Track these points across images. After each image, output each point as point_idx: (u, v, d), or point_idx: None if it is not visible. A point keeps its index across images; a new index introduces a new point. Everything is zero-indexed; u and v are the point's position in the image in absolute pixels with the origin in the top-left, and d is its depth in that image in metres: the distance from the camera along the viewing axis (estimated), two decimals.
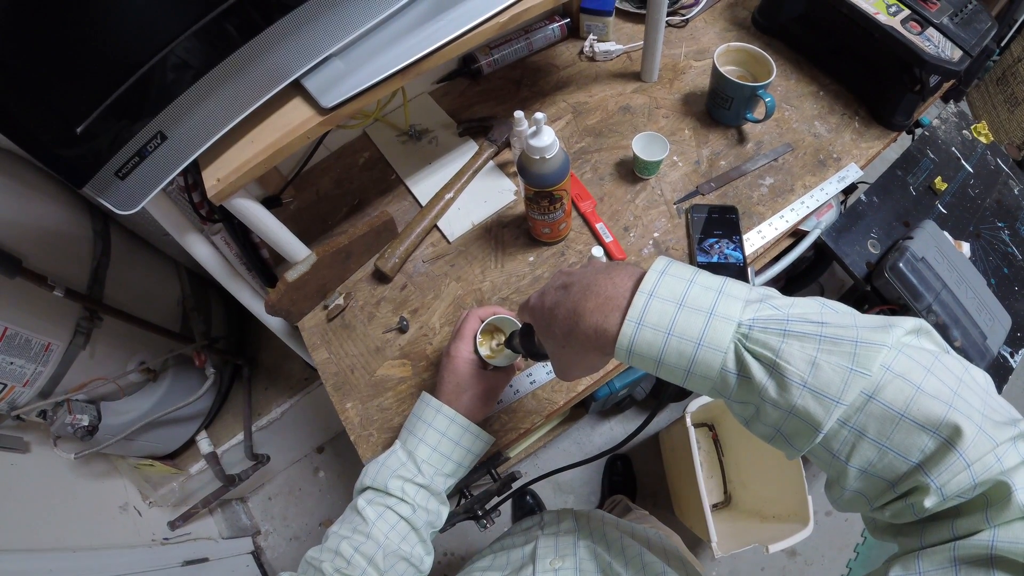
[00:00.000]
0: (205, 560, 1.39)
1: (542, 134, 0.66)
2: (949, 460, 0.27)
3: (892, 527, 0.33)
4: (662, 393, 1.38)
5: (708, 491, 1.26)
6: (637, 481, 1.65)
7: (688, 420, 1.24)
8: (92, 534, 1.23)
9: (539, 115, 0.65)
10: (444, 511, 0.60)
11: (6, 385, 1.02)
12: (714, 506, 1.49)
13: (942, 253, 1.04)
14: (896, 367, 0.29)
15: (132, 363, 1.22)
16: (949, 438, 0.28)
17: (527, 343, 0.54)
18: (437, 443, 0.59)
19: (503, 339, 0.64)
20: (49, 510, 1.18)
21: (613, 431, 1.73)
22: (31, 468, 1.18)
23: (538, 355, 0.55)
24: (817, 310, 0.33)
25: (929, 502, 0.28)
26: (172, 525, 1.36)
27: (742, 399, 0.34)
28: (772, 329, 0.32)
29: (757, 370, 0.32)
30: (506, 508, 1.63)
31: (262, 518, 1.73)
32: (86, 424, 1.12)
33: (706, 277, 0.35)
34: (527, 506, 1.58)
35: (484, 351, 0.62)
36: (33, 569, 1.03)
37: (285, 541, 1.70)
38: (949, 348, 0.32)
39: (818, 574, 1.54)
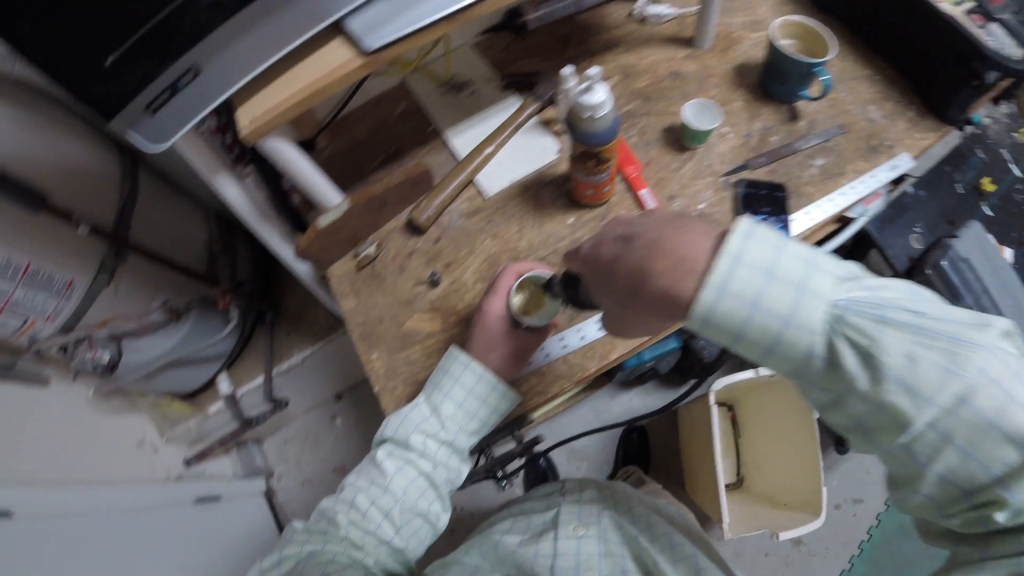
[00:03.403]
0: (218, 498, 1.42)
1: (595, 90, 0.64)
2: None
3: (951, 534, 0.31)
4: (696, 367, 1.37)
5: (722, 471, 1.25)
6: (652, 454, 1.65)
7: (712, 398, 1.23)
8: (108, 469, 1.25)
9: (594, 70, 0.62)
10: (465, 469, 0.59)
11: (27, 319, 1.03)
12: (726, 487, 1.49)
13: (986, 256, 1.01)
14: (990, 371, 0.27)
15: (156, 302, 1.22)
16: None
17: (571, 291, 0.52)
18: (463, 400, 0.57)
19: (540, 297, 0.62)
20: (66, 444, 1.20)
21: (632, 402, 1.73)
22: (50, 402, 1.20)
23: (582, 304, 0.52)
24: (909, 296, 0.31)
25: (1002, 516, 0.27)
26: (187, 463, 1.39)
27: (824, 386, 0.31)
28: (868, 313, 0.29)
29: (849, 358, 0.29)
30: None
31: (276, 461, 1.76)
32: (106, 361, 1.13)
33: (795, 245, 0.32)
34: (540, 470, 1.59)
35: (518, 309, 0.60)
36: (48, 501, 1.05)
37: (297, 485, 1.73)
38: None
39: (821, 566, 1.54)
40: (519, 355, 0.60)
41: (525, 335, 0.60)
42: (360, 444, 1.77)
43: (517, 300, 0.60)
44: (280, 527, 1.60)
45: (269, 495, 1.66)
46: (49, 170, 0.98)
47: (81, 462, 1.20)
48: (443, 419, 0.56)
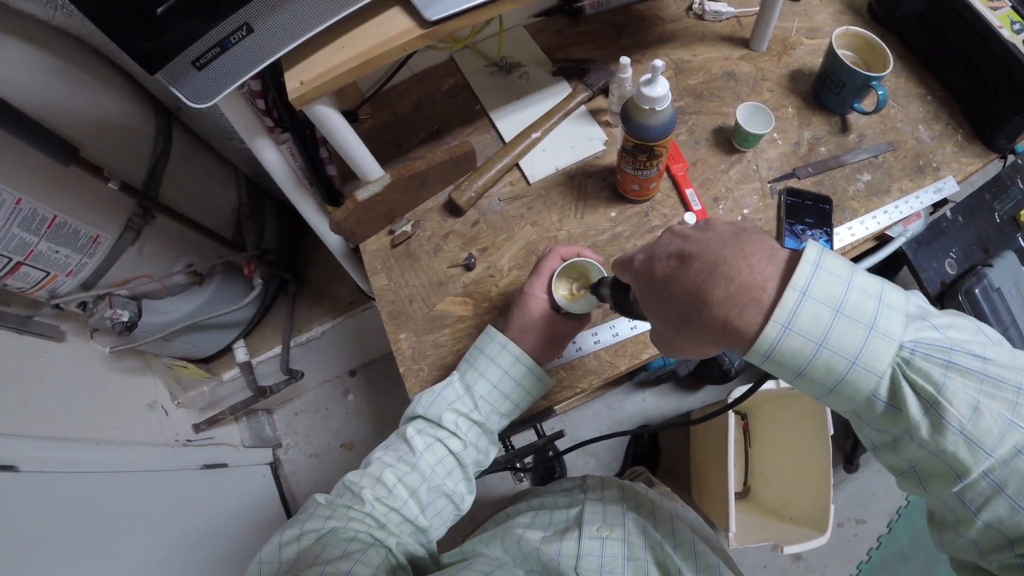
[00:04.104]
0: (224, 466, 1.42)
1: (657, 83, 0.62)
2: None
3: (983, 572, 0.31)
4: (715, 373, 1.36)
5: None
6: (660, 456, 1.65)
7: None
8: (117, 429, 1.25)
9: (658, 62, 0.60)
10: (493, 452, 0.58)
11: (49, 273, 1.02)
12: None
13: (1018, 287, 1.00)
14: None
15: (180, 264, 1.22)
16: None
17: (619, 299, 0.50)
18: (498, 380, 0.56)
19: (584, 284, 0.60)
20: (77, 401, 1.20)
21: (646, 403, 1.73)
22: (64, 358, 1.20)
23: (631, 314, 0.51)
24: (974, 336, 0.29)
25: None
26: (197, 428, 1.39)
27: (883, 428, 0.30)
28: (935, 358, 0.28)
29: (913, 404, 0.28)
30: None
31: (285, 432, 1.76)
32: (125, 320, 1.13)
33: (865, 278, 0.30)
34: (549, 464, 1.59)
35: (559, 294, 0.58)
36: (56, 458, 1.05)
37: (304, 457, 1.73)
38: None
39: None
40: (555, 341, 0.59)
41: (564, 321, 0.59)
42: (371, 422, 1.77)
43: (559, 285, 0.59)
44: (284, 499, 1.60)
45: (275, 466, 1.67)
46: (83, 122, 0.96)
47: (91, 420, 1.20)
48: (476, 399, 0.55)
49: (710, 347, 0.37)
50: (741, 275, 0.32)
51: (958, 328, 0.30)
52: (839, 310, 0.29)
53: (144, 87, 1.13)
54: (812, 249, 0.31)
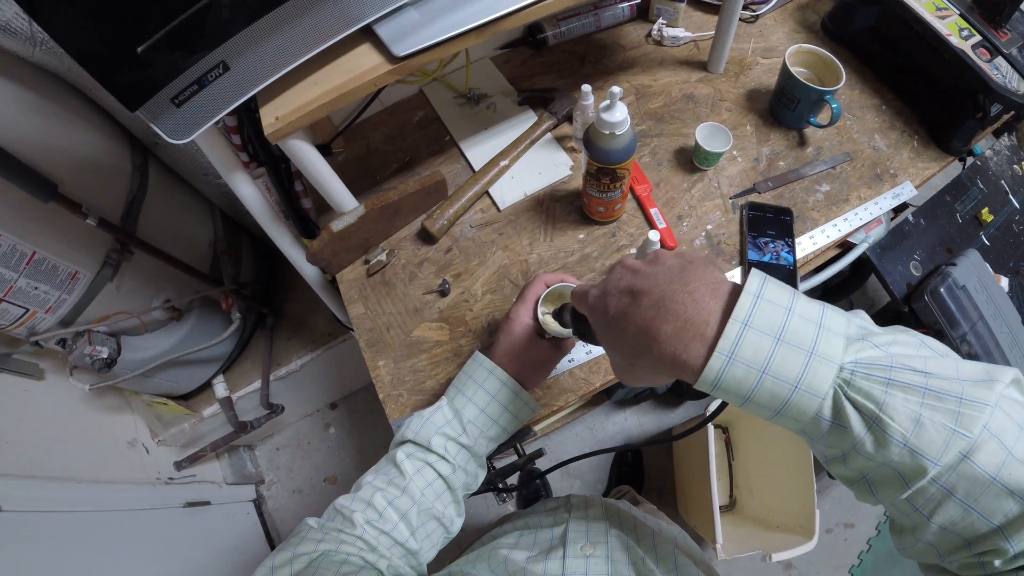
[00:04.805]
0: (207, 503, 1.40)
1: (615, 109, 0.65)
2: None
3: (949, 573, 0.32)
4: (692, 389, 1.37)
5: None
6: (645, 474, 1.65)
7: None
8: (98, 467, 1.23)
9: (615, 89, 0.63)
10: (481, 475, 0.59)
11: (28, 310, 1.02)
12: (719, 508, 1.49)
13: (983, 284, 1.03)
14: (992, 425, 0.28)
15: (158, 300, 1.22)
16: None
17: (579, 327, 0.53)
18: (486, 405, 0.57)
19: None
20: (57, 439, 1.18)
21: (627, 422, 1.73)
22: (43, 395, 1.18)
23: (593, 341, 0.53)
24: (916, 351, 0.31)
25: (1000, 562, 0.28)
26: (178, 465, 1.37)
27: (832, 445, 0.32)
28: (875, 376, 0.29)
29: (856, 421, 0.29)
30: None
31: (267, 468, 1.74)
32: (105, 356, 1.12)
33: (805, 304, 0.32)
34: (534, 486, 1.58)
35: (544, 319, 0.60)
36: (36, 497, 1.04)
37: (288, 493, 1.71)
38: None
39: None
40: (541, 364, 0.61)
41: (549, 345, 0.61)
42: (354, 454, 1.75)
43: (544, 311, 0.61)
44: (268, 535, 1.58)
45: (258, 503, 1.64)
46: (62, 159, 0.97)
47: (71, 458, 1.18)
48: (465, 423, 0.56)
49: (664, 376, 0.38)
50: (686, 310, 0.33)
51: (900, 344, 0.31)
52: (780, 338, 0.30)
53: (121, 123, 1.14)
54: (754, 280, 0.32)
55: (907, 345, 0.31)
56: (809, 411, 0.30)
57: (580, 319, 0.52)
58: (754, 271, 0.33)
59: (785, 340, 0.30)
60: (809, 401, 0.30)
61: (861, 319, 0.34)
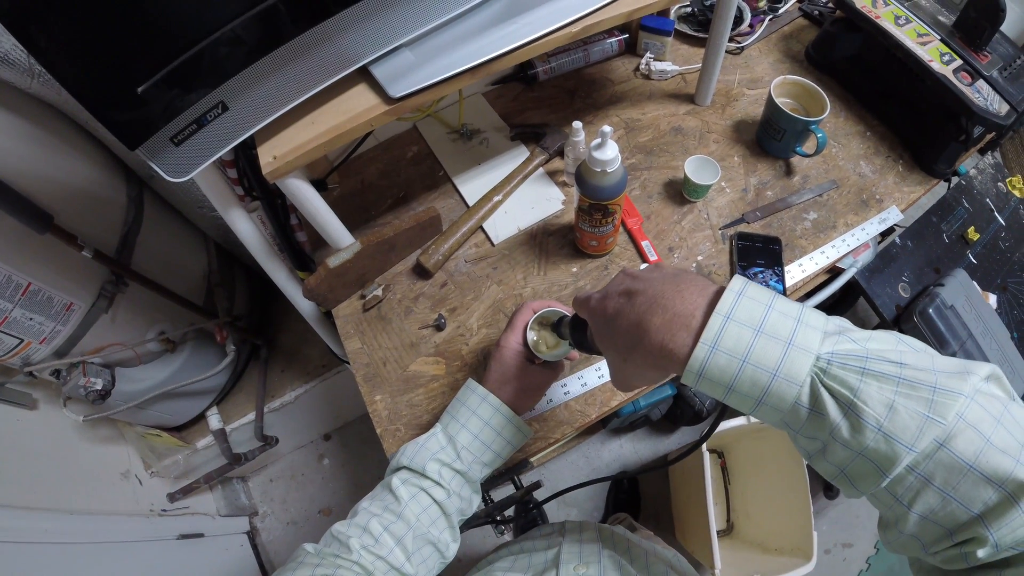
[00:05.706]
0: (200, 536, 1.38)
1: (607, 147, 0.66)
2: (1011, 515, 0.28)
3: (939, 571, 0.33)
4: (687, 415, 1.37)
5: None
6: (642, 501, 1.64)
7: (703, 446, 1.24)
8: (91, 498, 1.22)
9: (606, 128, 0.65)
10: (476, 500, 0.60)
11: (22, 340, 1.01)
12: (717, 533, 1.49)
13: (970, 303, 1.04)
14: (968, 416, 0.29)
15: (152, 332, 1.21)
16: (1013, 493, 0.28)
17: (577, 335, 0.54)
18: (479, 431, 0.58)
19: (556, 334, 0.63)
20: (50, 470, 1.17)
21: (623, 449, 1.73)
22: (37, 426, 1.17)
23: (588, 348, 0.55)
24: (895, 347, 0.32)
25: (983, 552, 0.29)
26: (172, 497, 1.35)
27: (811, 434, 0.33)
28: (851, 366, 0.31)
29: (832, 408, 0.31)
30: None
31: (261, 500, 1.72)
32: (99, 388, 1.11)
33: (784, 303, 0.34)
34: (531, 516, 1.58)
35: (533, 344, 0.61)
36: (29, 528, 1.02)
37: (282, 525, 1.69)
38: (1015, 395, 0.33)
39: None
40: (533, 389, 0.62)
41: (540, 370, 0.62)
42: (347, 486, 1.74)
43: (533, 336, 0.62)
44: (263, 568, 1.56)
45: (252, 535, 1.62)
46: (58, 190, 0.97)
47: (64, 489, 1.17)
48: (459, 449, 0.57)
49: (654, 371, 0.40)
50: (675, 305, 0.36)
51: (877, 340, 0.33)
52: (759, 330, 0.32)
53: (117, 156, 1.15)
54: (737, 281, 0.35)
55: (884, 341, 0.33)
56: (788, 399, 0.32)
57: (578, 328, 0.53)
58: (737, 275, 0.36)
59: (764, 331, 0.32)
60: (788, 388, 0.32)
61: (840, 320, 0.35)
